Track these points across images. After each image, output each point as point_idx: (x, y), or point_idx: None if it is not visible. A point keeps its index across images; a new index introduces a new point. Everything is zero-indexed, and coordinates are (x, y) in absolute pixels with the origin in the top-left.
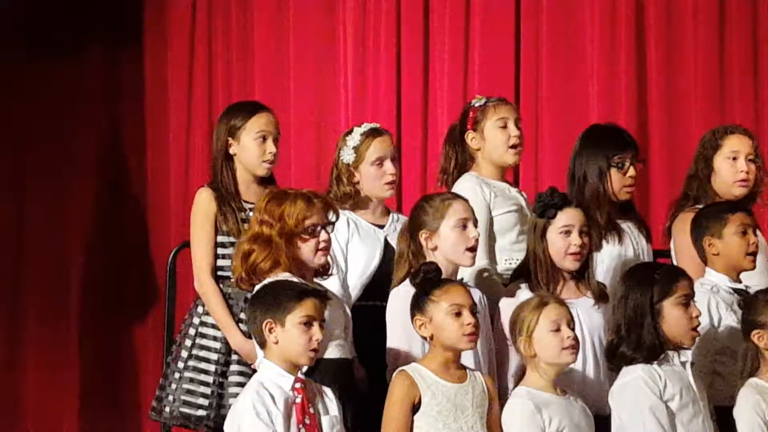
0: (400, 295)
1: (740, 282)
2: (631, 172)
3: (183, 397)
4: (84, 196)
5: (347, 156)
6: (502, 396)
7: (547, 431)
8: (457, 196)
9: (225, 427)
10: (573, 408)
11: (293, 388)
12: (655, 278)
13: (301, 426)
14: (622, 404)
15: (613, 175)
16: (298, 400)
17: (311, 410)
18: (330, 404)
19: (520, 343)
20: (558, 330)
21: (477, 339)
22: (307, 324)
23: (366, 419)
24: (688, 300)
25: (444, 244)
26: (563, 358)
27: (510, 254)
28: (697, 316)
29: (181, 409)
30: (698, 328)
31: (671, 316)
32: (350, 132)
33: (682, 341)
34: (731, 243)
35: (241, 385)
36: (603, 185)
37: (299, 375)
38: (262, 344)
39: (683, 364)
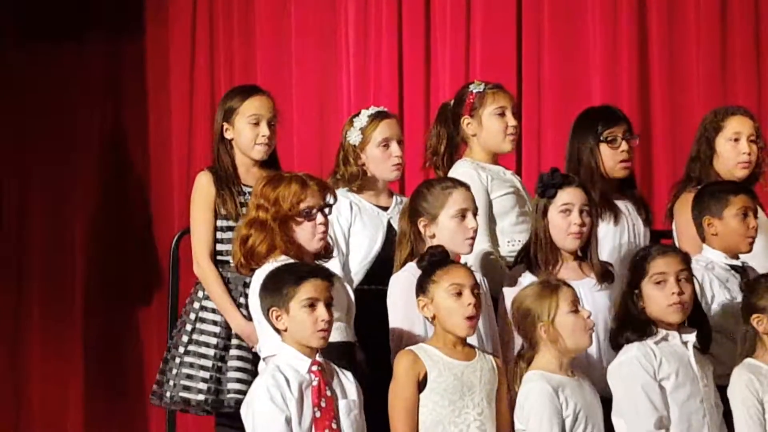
0: (401, 280)
1: (737, 259)
2: (624, 146)
3: (183, 382)
4: (86, 184)
5: (354, 137)
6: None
7: (565, 413)
8: (457, 185)
9: (241, 411)
10: (583, 389)
11: (310, 371)
12: (635, 260)
13: (316, 409)
14: (617, 383)
15: (604, 150)
16: (315, 383)
17: (328, 393)
18: (349, 388)
19: (541, 329)
20: (576, 311)
21: (477, 321)
22: (311, 306)
23: (367, 402)
24: (663, 278)
25: (442, 233)
26: (587, 340)
27: (512, 236)
28: (675, 293)
29: (181, 394)
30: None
31: (650, 296)
32: (357, 114)
33: (666, 318)
34: (731, 225)
35: (240, 369)
36: (595, 161)
37: (317, 357)
38: (277, 331)
39: (685, 344)
